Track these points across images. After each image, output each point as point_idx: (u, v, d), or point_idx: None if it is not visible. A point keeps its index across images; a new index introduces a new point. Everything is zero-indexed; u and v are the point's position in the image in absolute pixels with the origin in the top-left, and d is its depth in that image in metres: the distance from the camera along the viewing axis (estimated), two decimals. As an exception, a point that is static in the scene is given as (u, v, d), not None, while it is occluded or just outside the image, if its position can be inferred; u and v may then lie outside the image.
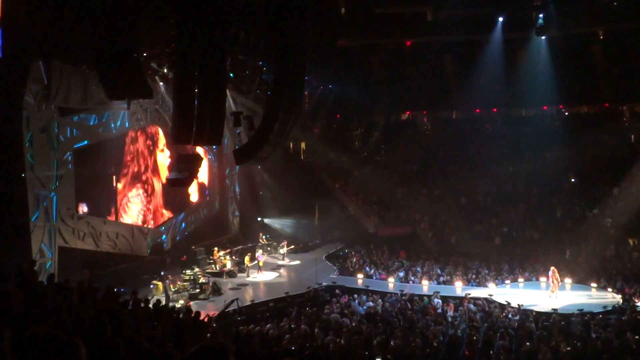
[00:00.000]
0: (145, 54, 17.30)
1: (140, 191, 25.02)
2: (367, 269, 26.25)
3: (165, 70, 19.23)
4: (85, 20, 14.40)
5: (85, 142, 21.37)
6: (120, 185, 23.69)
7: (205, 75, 14.46)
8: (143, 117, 24.77)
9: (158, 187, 26.13)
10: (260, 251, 27.11)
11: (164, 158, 26.30)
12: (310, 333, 15.56)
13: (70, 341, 2.80)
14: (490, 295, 21.90)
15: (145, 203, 25.29)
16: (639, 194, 27.94)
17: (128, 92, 15.28)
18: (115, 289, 13.75)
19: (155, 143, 25.93)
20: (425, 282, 24.32)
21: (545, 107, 35.09)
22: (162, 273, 22.92)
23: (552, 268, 22.00)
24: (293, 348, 12.04)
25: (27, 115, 18.07)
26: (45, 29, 16.08)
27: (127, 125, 23.64)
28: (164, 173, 25.48)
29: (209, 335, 11.99)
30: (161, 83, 21.85)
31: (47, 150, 19.24)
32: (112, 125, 22.79)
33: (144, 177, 25.21)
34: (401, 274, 25.33)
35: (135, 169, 24.57)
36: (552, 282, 21.83)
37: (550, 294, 21.69)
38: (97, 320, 5.78)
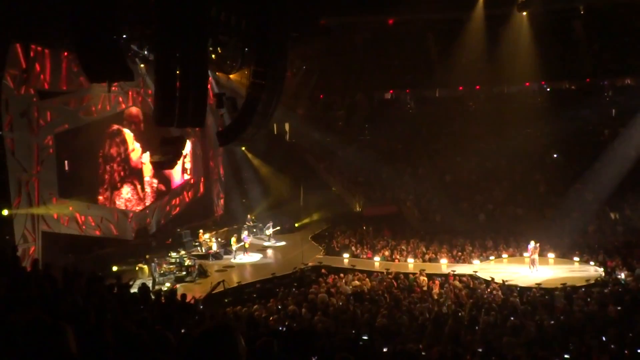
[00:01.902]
0: (125, 36, 17.05)
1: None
2: (353, 248, 26.37)
3: (146, 52, 18.97)
4: (64, 2, 14.12)
5: (66, 126, 21.11)
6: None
7: (186, 56, 14.33)
8: (124, 100, 24.48)
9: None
10: (246, 232, 27.09)
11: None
12: (298, 313, 15.65)
13: (57, 324, 2.79)
14: (475, 271, 22.15)
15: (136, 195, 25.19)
16: (621, 168, 28.19)
17: (108, 74, 15.05)
18: (100, 273, 13.72)
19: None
20: (410, 260, 24.52)
21: (527, 84, 35.24)
22: (147, 256, 22.88)
23: (533, 242, 22.27)
24: (281, 328, 12.09)
25: (6, 99, 17.82)
26: (23, 12, 15.80)
27: (107, 108, 23.36)
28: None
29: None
30: (142, 65, 21.60)
31: (27, 135, 19.01)
32: (93, 108, 22.51)
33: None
34: (386, 253, 25.48)
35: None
36: (531, 256, 22.13)
37: (530, 267, 22.02)
38: (82, 304, 5.75)
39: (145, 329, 5.37)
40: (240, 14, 18.50)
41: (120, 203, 24.39)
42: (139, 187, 25.56)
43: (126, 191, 24.69)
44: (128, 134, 24.89)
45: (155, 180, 26.72)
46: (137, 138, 25.33)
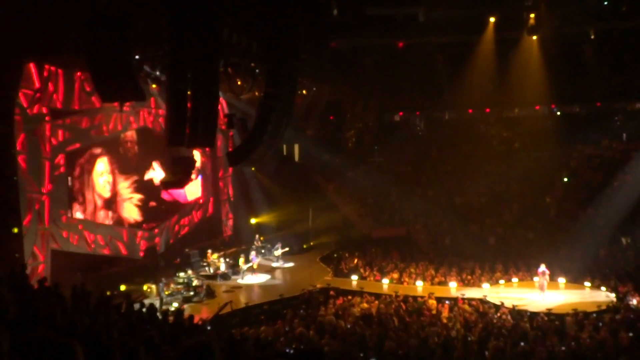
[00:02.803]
0: (137, 56, 17.25)
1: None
2: (361, 270, 26.22)
3: (158, 73, 19.17)
4: (77, 23, 14.35)
5: (77, 145, 21.28)
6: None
7: (198, 77, 14.46)
8: (136, 120, 24.68)
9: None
10: (254, 253, 27.03)
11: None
12: (306, 335, 15.53)
13: (67, 343, 2.78)
14: (485, 295, 21.93)
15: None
16: (632, 193, 28.00)
17: (120, 94, 15.24)
18: (108, 292, 13.71)
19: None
20: (419, 283, 24.34)
21: (537, 107, 35.23)
22: (155, 276, 22.85)
23: (543, 265, 22.08)
24: (288, 350, 12.00)
25: (19, 118, 18.03)
26: (37, 32, 16.05)
27: (119, 128, 23.54)
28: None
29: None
30: (154, 85, 21.81)
31: (39, 153, 19.18)
32: (105, 128, 22.69)
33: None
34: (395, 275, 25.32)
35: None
36: (540, 280, 21.93)
37: (540, 293, 21.78)
38: (91, 324, 5.74)
39: (151, 349, 5.35)
40: (252, 36, 18.68)
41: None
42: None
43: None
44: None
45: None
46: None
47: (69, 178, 21.19)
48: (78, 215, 21.83)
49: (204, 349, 2.72)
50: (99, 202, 23.02)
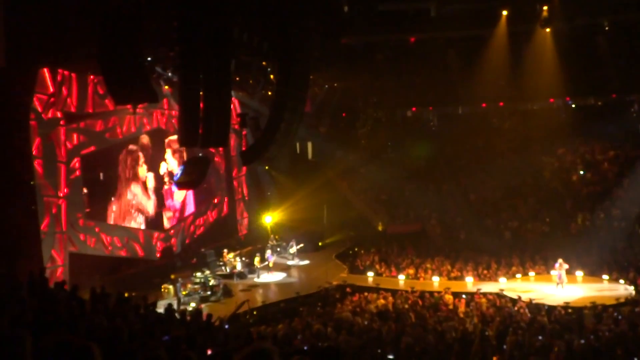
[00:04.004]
0: (149, 58, 17.35)
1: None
2: (377, 266, 26.20)
3: (170, 74, 19.27)
4: (89, 26, 14.45)
5: (92, 147, 21.44)
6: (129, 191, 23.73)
7: (209, 77, 14.52)
8: (149, 121, 24.81)
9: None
10: (270, 251, 27.10)
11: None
12: (323, 332, 15.56)
13: (87, 346, 2.81)
14: (502, 289, 21.83)
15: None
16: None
17: (133, 96, 15.33)
18: (126, 294, 13.81)
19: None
20: (435, 279, 24.28)
21: (551, 100, 34.90)
22: (172, 276, 22.98)
23: (560, 260, 21.97)
24: (306, 348, 12.02)
25: (34, 123, 18.20)
26: (50, 36, 16.18)
27: (133, 130, 23.69)
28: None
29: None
30: (166, 87, 21.91)
31: (55, 157, 19.35)
32: (119, 130, 22.85)
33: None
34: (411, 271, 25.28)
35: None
36: (560, 273, 21.84)
37: (557, 286, 21.69)
38: (111, 326, 5.79)
39: (171, 349, 5.39)
40: (263, 34, 18.72)
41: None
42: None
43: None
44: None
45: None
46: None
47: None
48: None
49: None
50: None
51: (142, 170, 24.74)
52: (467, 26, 27.50)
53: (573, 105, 35.32)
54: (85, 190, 21.32)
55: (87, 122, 21.21)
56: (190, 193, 27.32)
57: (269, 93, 23.09)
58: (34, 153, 18.26)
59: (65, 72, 19.61)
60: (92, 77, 20.57)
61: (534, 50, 28.87)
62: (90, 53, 14.91)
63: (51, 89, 19.03)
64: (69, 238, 19.98)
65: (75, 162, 20.51)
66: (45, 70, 18.70)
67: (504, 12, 27.05)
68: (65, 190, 19.83)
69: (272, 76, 20.52)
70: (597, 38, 29.04)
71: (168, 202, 26.53)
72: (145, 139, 24.73)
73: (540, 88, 30.85)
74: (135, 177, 24.15)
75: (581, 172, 32.76)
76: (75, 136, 20.54)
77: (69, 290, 11.82)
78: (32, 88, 18.14)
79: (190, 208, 28.19)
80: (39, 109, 18.50)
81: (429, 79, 32.74)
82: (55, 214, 19.35)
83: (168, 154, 26.21)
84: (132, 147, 24.02)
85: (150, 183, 25.19)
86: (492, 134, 35.62)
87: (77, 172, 20.62)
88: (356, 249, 29.93)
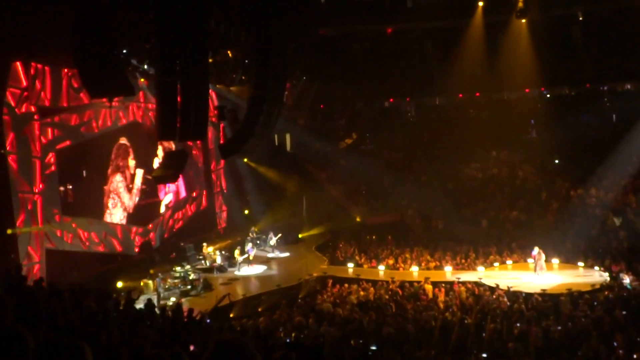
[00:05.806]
0: (125, 51, 17.11)
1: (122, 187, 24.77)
2: (357, 257, 26.30)
3: (146, 67, 19.05)
4: (63, 19, 14.20)
5: (68, 142, 21.15)
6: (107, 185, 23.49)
7: (186, 70, 14.36)
8: (125, 115, 24.53)
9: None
10: (250, 244, 27.04)
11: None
12: (304, 324, 15.59)
13: (76, 344, 2.78)
14: (480, 278, 22.09)
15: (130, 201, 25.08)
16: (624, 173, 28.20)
17: (109, 90, 15.09)
18: (105, 290, 13.69)
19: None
20: (415, 268, 24.46)
21: (527, 90, 35.23)
22: (152, 271, 22.82)
23: (536, 248, 22.32)
24: (289, 340, 12.05)
25: (8, 118, 17.89)
26: (23, 30, 15.89)
27: (109, 124, 23.40)
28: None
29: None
30: (142, 79, 21.65)
31: (29, 153, 19.05)
32: (94, 124, 22.56)
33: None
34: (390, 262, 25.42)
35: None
36: (537, 261, 22.18)
37: (537, 273, 22.05)
38: (90, 322, 5.73)
39: (155, 345, 5.35)
40: (240, 25, 18.58)
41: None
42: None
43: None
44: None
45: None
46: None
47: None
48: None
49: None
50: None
51: (132, 164, 24.86)
52: (443, 17, 27.53)
53: (548, 95, 35.73)
54: (70, 186, 21.14)
55: (62, 117, 20.89)
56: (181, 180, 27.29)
57: (247, 85, 22.96)
58: (7, 148, 17.96)
59: (39, 66, 19.28)
60: (66, 70, 20.26)
61: (510, 40, 29.04)
62: (64, 45, 14.66)
63: (24, 83, 18.71)
64: (45, 234, 19.72)
65: (51, 157, 20.21)
66: (18, 63, 18.37)
67: (480, 3, 27.09)
68: (40, 185, 19.54)
69: (249, 68, 20.39)
70: (572, 28, 29.32)
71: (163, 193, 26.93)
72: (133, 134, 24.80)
73: (515, 78, 31.09)
74: (120, 170, 24.05)
75: (556, 161, 33.20)
76: (50, 131, 20.22)
77: (47, 288, 11.67)
78: (4, 82, 17.82)
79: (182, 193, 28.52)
80: (12, 104, 18.18)
81: (406, 70, 32.80)
82: (31, 210, 19.07)
83: (160, 150, 25.97)
84: (122, 140, 24.12)
85: (138, 179, 25.16)
86: (469, 124, 35.86)
87: (53, 167, 20.33)
88: (336, 241, 30.00)
